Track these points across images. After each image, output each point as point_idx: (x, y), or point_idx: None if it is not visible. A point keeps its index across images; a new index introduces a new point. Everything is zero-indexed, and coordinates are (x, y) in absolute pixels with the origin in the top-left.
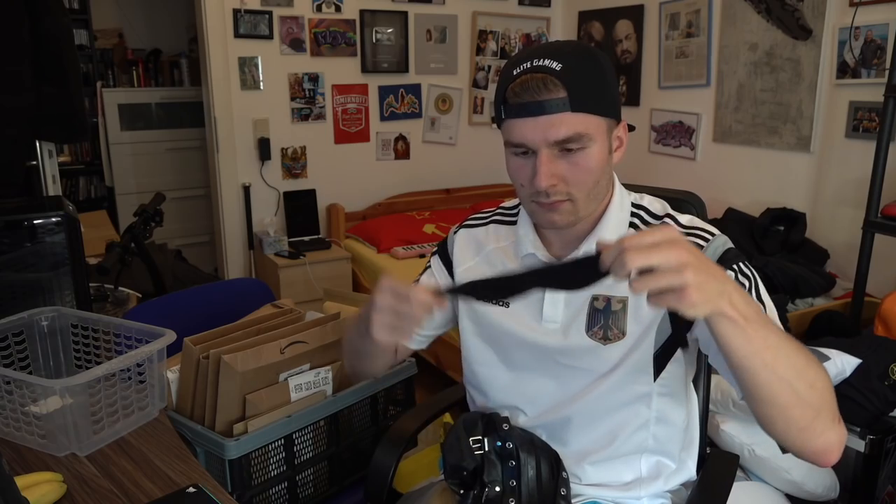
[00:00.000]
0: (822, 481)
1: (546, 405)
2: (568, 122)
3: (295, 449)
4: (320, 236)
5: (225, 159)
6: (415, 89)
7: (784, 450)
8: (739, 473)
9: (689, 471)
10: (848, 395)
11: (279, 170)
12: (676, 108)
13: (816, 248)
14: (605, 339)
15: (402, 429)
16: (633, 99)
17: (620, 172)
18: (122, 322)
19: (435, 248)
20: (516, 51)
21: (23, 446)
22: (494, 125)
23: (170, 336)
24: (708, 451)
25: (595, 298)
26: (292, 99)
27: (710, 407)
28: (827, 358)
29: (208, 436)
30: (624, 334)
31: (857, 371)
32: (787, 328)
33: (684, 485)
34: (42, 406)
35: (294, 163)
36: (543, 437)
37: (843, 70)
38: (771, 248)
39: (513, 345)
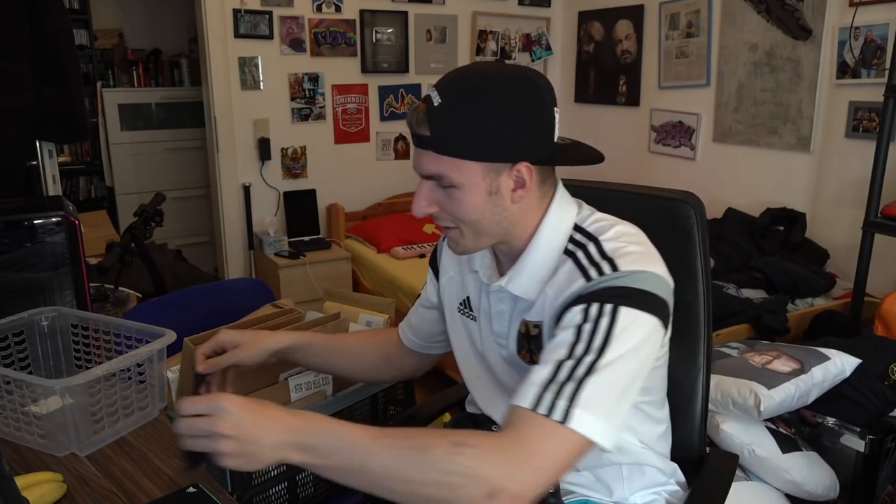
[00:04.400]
0: (822, 481)
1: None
2: (430, 162)
3: None
4: (320, 236)
5: (225, 159)
6: (415, 89)
7: None
8: (739, 473)
9: (667, 468)
10: (848, 395)
11: (279, 170)
12: (676, 108)
13: (816, 248)
14: (531, 362)
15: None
16: (633, 99)
17: (621, 173)
18: (122, 322)
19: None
20: (516, 51)
21: (23, 446)
22: None
23: (170, 336)
24: (707, 450)
25: (521, 322)
26: (292, 99)
27: (710, 407)
28: (827, 358)
29: None
30: None
31: (857, 371)
32: (787, 328)
33: (674, 482)
34: (42, 406)
35: (294, 163)
36: None
37: (843, 70)
38: (771, 248)
39: (479, 355)
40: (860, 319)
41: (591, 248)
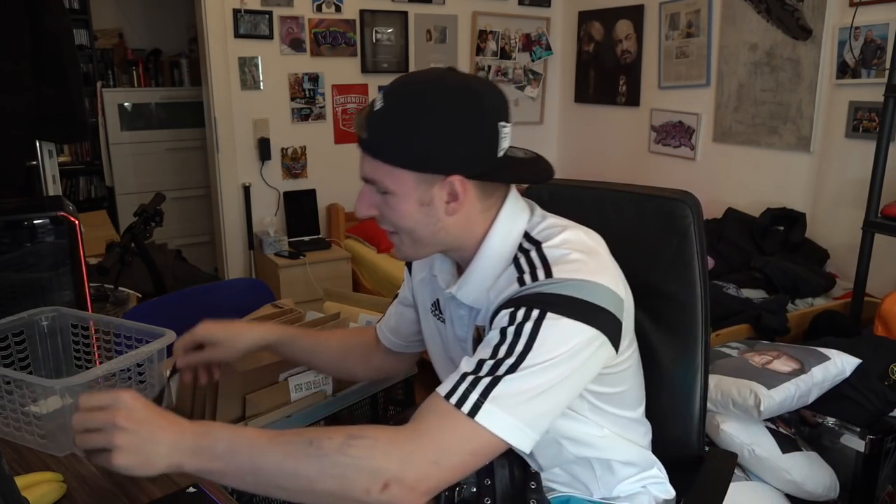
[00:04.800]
0: (822, 481)
1: None
2: (368, 166)
3: None
4: (320, 236)
5: (225, 159)
6: None
7: None
8: (739, 473)
9: (644, 462)
10: (848, 395)
11: (279, 170)
12: (676, 108)
13: (816, 248)
14: None
15: None
16: (633, 99)
17: (621, 173)
18: (122, 322)
19: None
20: (516, 51)
21: (23, 446)
22: None
23: (170, 336)
24: (706, 449)
25: (474, 328)
26: (292, 99)
27: (710, 407)
28: (827, 358)
29: None
30: None
31: (857, 371)
32: (787, 328)
33: (656, 470)
34: (42, 406)
35: (294, 163)
36: None
37: (843, 70)
38: (771, 247)
39: (448, 356)
40: (860, 319)
41: (533, 253)
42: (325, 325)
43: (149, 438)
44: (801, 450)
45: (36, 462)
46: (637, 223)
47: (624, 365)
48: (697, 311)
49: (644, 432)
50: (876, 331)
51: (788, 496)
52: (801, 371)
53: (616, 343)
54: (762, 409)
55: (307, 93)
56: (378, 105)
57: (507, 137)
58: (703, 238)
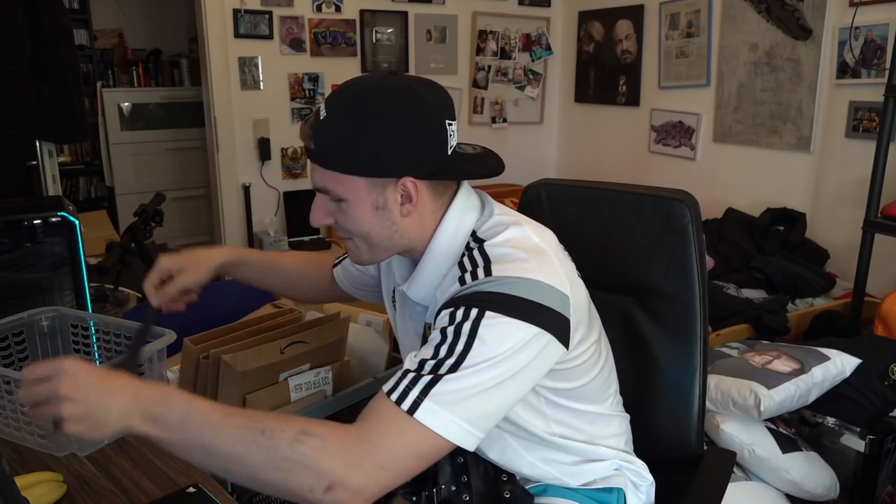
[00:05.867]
0: (822, 481)
1: None
2: (318, 175)
3: None
4: (320, 236)
5: (225, 159)
6: None
7: None
8: (740, 473)
9: (616, 455)
10: (848, 395)
11: (279, 170)
12: (676, 108)
13: (816, 248)
14: None
15: None
16: (633, 99)
17: (621, 173)
18: (122, 322)
19: None
20: (516, 51)
21: (23, 446)
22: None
23: (170, 336)
24: (706, 448)
25: (423, 324)
26: (292, 99)
27: (710, 407)
28: (827, 358)
29: None
30: None
31: (857, 371)
32: (787, 328)
33: (632, 456)
34: None
35: (294, 163)
36: None
37: (843, 70)
38: (771, 248)
39: (402, 342)
40: (860, 319)
41: (476, 252)
42: (325, 324)
43: (96, 404)
44: (801, 450)
45: (36, 462)
46: (635, 223)
47: (579, 360)
48: (696, 310)
49: (617, 424)
50: (876, 331)
51: (788, 496)
52: (801, 371)
53: (565, 340)
54: (762, 409)
55: (307, 93)
56: (322, 114)
57: (455, 135)
58: (701, 237)
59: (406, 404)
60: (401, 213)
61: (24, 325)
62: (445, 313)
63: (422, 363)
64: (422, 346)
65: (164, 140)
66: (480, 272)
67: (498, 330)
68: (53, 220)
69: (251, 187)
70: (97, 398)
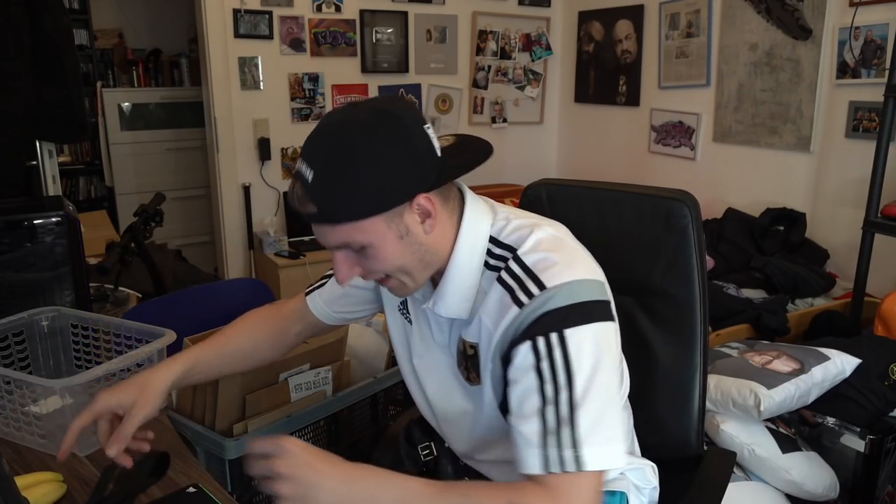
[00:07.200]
0: (822, 481)
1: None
2: (329, 234)
3: None
4: None
5: (225, 159)
6: (415, 89)
7: None
8: (740, 473)
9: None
10: (848, 395)
11: (279, 170)
12: (676, 108)
13: (816, 248)
14: (467, 379)
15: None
16: (633, 99)
17: (621, 173)
18: (122, 322)
19: None
20: (516, 51)
21: (23, 446)
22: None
23: (170, 336)
24: (706, 448)
25: (459, 339)
26: (292, 99)
27: (710, 407)
28: (827, 358)
29: (208, 436)
30: (479, 379)
31: (857, 371)
32: (787, 328)
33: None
34: (42, 406)
35: (294, 163)
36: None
37: (843, 70)
38: (771, 248)
39: (409, 355)
40: (860, 319)
41: (512, 263)
42: None
43: (307, 484)
44: (801, 450)
45: (36, 462)
46: (635, 223)
47: None
48: (696, 310)
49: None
50: (876, 331)
51: (788, 496)
52: (801, 371)
53: (615, 322)
54: (762, 409)
55: (307, 93)
56: (308, 175)
57: (434, 136)
58: (701, 237)
59: (570, 466)
60: (424, 231)
61: (24, 325)
62: (525, 349)
63: (542, 416)
64: (458, 360)
65: (164, 140)
66: (532, 286)
67: (582, 342)
68: (53, 220)
69: (251, 187)
70: (311, 478)
